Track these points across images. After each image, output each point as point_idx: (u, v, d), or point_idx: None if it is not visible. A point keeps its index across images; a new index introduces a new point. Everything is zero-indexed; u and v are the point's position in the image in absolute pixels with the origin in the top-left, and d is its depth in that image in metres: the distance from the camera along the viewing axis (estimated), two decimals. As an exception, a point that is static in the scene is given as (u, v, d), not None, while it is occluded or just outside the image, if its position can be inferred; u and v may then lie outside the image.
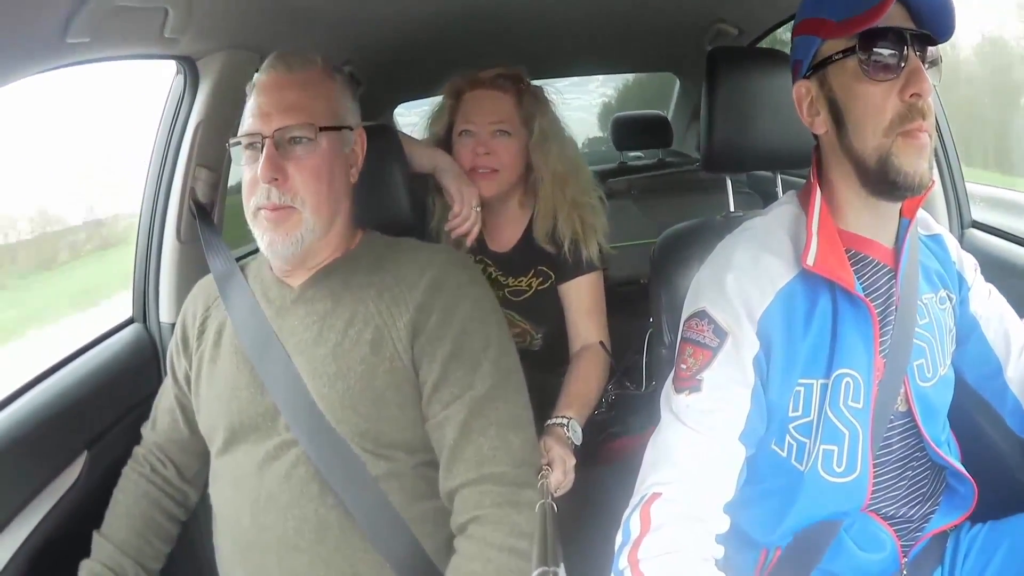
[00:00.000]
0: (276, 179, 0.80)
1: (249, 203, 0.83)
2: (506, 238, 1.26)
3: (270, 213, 0.81)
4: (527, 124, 1.20)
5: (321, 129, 0.82)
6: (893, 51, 0.69)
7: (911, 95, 0.68)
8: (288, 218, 0.81)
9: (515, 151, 1.19)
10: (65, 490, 0.93)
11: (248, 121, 0.84)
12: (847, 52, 0.71)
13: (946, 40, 0.71)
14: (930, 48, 0.71)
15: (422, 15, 1.47)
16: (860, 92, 0.71)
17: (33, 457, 0.90)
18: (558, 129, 1.23)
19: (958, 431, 0.84)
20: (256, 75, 0.87)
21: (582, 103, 4.04)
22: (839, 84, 0.72)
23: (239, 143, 0.84)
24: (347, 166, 0.88)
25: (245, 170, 0.84)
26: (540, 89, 1.24)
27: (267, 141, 0.80)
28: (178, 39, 1.01)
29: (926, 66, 0.70)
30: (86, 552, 0.88)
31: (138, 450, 0.97)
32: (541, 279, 1.23)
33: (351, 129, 0.88)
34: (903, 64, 0.69)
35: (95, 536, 0.89)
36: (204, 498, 0.96)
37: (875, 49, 0.69)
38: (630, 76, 3.87)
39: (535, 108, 1.20)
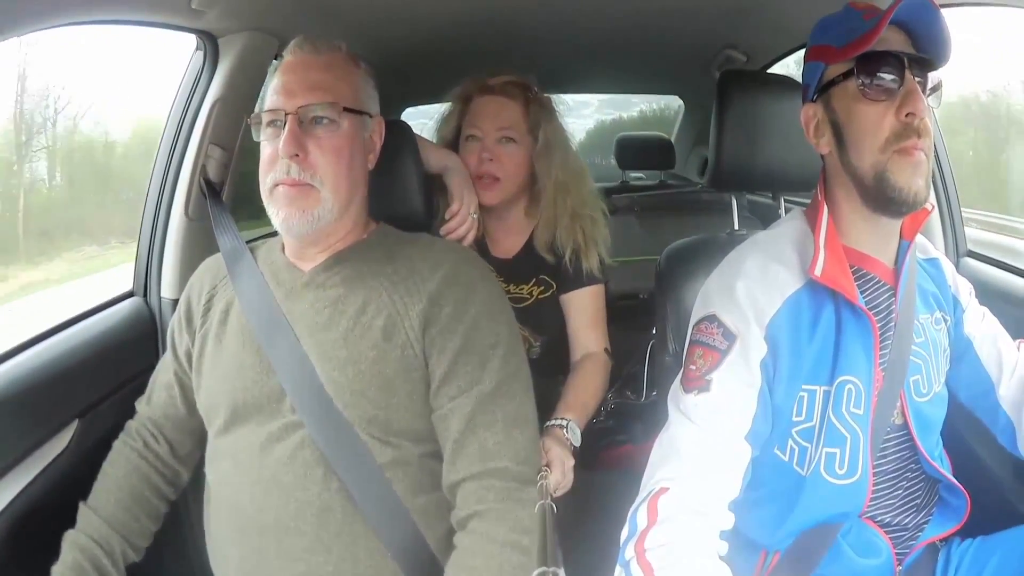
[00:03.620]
0: (297, 155, 0.80)
1: (267, 179, 0.83)
2: (509, 245, 1.26)
3: (289, 189, 0.81)
4: (532, 132, 1.21)
5: (344, 110, 0.83)
6: (889, 73, 0.72)
7: (907, 114, 0.72)
8: (307, 195, 0.81)
9: (519, 159, 1.20)
10: (53, 457, 0.91)
11: (271, 98, 0.84)
12: (847, 75, 0.75)
13: (943, 64, 0.75)
14: (931, 74, 0.75)
15: (439, 22, 1.50)
16: (859, 112, 0.74)
17: (23, 421, 0.88)
18: (563, 139, 1.25)
19: (950, 447, 0.87)
20: (283, 56, 0.87)
21: (576, 127, 4.12)
22: (841, 106, 0.76)
23: (260, 121, 0.84)
24: (365, 152, 0.88)
25: (265, 147, 0.84)
26: (547, 98, 1.26)
27: (290, 117, 0.81)
28: (204, 13, 1.02)
29: (927, 92, 0.74)
30: (71, 522, 0.85)
31: (131, 424, 0.95)
32: (543, 288, 1.24)
33: (371, 116, 0.89)
34: (900, 86, 0.72)
35: (81, 507, 0.86)
36: (194, 479, 0.95)
37: (872, 71, 0.73)
38: (629, 111, 4.00)
39: (541, 116, 1.22)
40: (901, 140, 0.72)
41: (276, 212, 0.83)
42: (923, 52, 0.74)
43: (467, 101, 1.24)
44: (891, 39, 0.73)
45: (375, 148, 0.91)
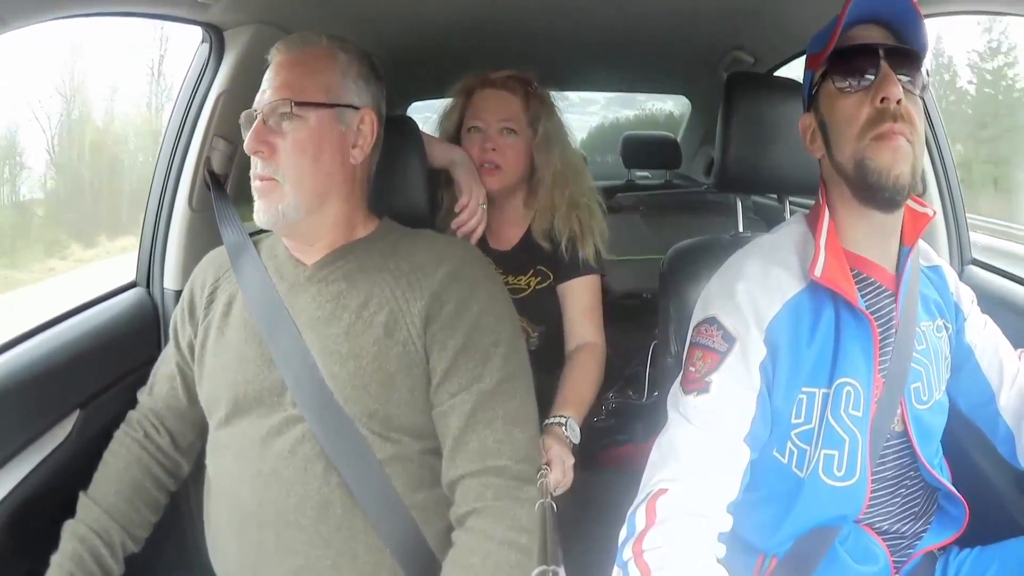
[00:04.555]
0: (260, 151, 0.81)
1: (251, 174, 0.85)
2: (508, 237, 1.28)
3: (258, 183, 0.83)
4: (532, 125, 1.23)
5: (305, 104, 0.82)
6: (860, 65, 0.74)
7: (880, 100, 0.72)
8: (272, 191, 0.82)
9: (519, 150, 1.23)
10: (54, 447, 0.91)
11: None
12: (824, 75, 0.76)
13: (922, 50, 0.75)
14: (918, 73, 0.75)
15: (445, 17, 1.50)
16: (837, 107, 0.76)
17: (23, 410, 0.88)
18: (561, 133, 1.27)
19: (950, 457, 0.87)
20: None
21: (580, 123, 4.14)
22: (825, 106, 0.78)
23: (248, 121, 0.84)
24: (344, 145, 0.85)
25: None
26: (547, 94, 1.28)
27: (258, 115, 0.82)
28: (209, 5, 1.02)
29: (917, 91, 0.74)
30: (70, 512, 0.85)
31: (132, 415, 0.95)
32: (540, 278, 1.25)
33: (355, 108, 0.86)
34: (874, 77, 0.73)
35: (81, 497, 0.87)
36: (194, 471, 0.95)
37: (843, 65, 0.75)
38: (632, 110, 4.00)
39: (541, 110, 1.24)
40: (876, 125, 0.72)
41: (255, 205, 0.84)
42: (904, 42, 0.75)
43: (469, 95, 1.26)
44: (871, 35, 0.75)
45: (363, 143, 0.87)
